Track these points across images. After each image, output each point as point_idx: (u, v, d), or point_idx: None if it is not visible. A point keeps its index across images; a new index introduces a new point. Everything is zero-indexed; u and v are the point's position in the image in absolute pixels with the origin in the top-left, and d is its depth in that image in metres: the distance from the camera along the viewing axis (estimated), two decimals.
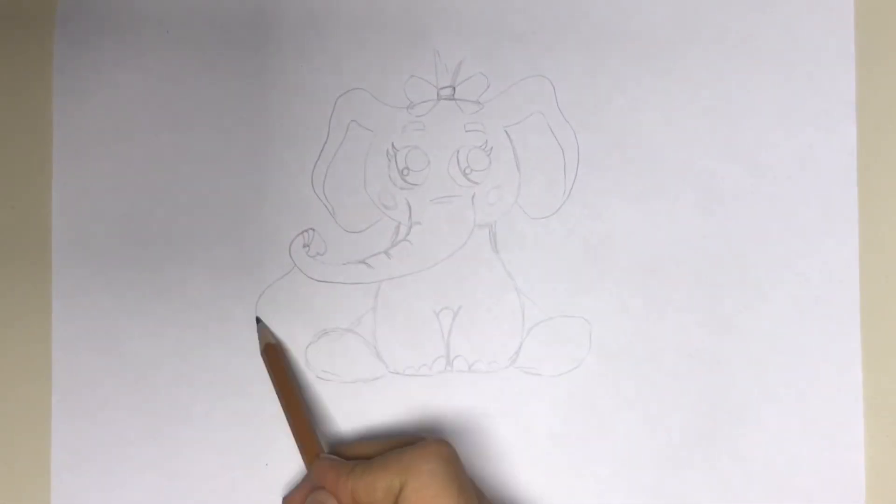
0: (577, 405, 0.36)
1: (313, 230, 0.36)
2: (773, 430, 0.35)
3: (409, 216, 0.36)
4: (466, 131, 0.36)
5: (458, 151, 0.36)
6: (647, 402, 0.35)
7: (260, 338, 0.35)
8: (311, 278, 0.36)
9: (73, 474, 0.36)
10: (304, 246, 0.36)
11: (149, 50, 0.36)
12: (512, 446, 0.36)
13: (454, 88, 0.36)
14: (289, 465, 0.36)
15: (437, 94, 0.36)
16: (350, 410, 0.36)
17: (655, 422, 0.35)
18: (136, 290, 0.36)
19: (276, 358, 0.35)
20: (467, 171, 0.36)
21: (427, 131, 0.36)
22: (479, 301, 0.36)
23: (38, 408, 0.36)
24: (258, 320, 0.35)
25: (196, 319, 0.36)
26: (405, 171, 0.36)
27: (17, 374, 0.36)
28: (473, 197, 0.36)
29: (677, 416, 0.35)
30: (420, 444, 0.32)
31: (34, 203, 0.36)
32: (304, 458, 0.34)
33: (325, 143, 0.36)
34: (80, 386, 0.36)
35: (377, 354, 0.36)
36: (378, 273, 0.36)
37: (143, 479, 0.36)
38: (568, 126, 0.36)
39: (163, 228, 0.36)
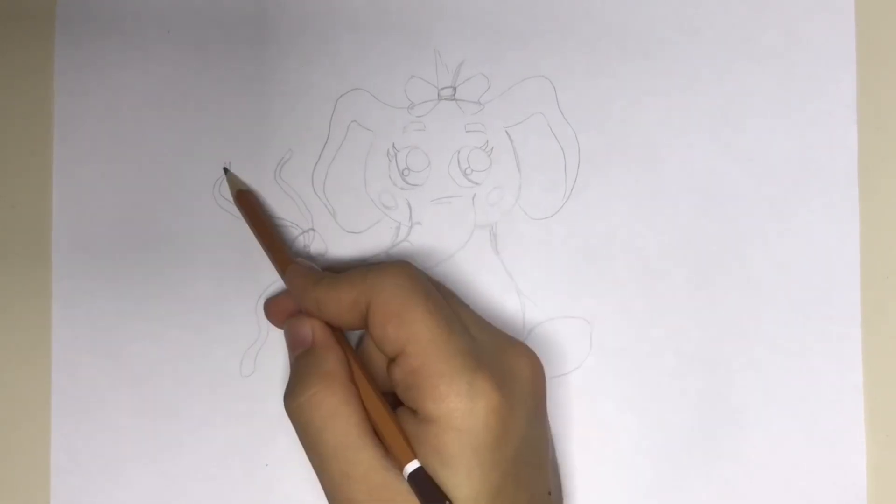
0: (578, 406, 0.36)
1: (314, 230, 0.36)
2: (773, 430, 0.35)
3: (410, 217, 0.36)
4: (467, 132, 0.36)
5: (458, 152, 0.36)
6: (647, 402, 0.35)
7: (230, 186, 0.35)
8: None
9: (72, 474, 0.36)
10: (305, 246, 0.36)
11: (150, 50, 0.36)
12: None
13: (455, 89, 0.36)
14: (288, 465, 0.36)
15: (438, 95, 0.36)
16: None
17: (656, 422, 0.35)
18: (136, 290, 0.36)
19: (249, 203, 0.35)
20: (468, 171, 0.36)
21: (428, 132, 0.36)
22: (480, 302, 0.36)
23: (37, 408, 0.36)
24: (225, 170, 0.35)
25: (196, 320, 0.36)
26: (406, 172, 0.36)
27: (16, 374, 0.36)
28: (474, 197, 0.36)
29: (677, 416, 0.35)
30: (382, 263, 0.32)
31: (34, 203, 0.36)
32: (278, 270, 0.34)
33: (326, 143, 0.36)
34: (79, 386, 0.36)
35: None
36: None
37: (142, 479, 0.36)
38: (569, 127, 0.36)
39: (163, 229, 0.36)
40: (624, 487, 0.36)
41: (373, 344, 0.32)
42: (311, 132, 0.36)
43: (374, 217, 0.36)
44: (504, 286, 0.36)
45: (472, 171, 0.36)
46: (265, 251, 0.34)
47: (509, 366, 0.31)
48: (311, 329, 0.32)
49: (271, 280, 0.36)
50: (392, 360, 0.31)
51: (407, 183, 0.36)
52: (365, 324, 0.31)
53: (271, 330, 0.36)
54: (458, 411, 0.29)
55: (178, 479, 0.36)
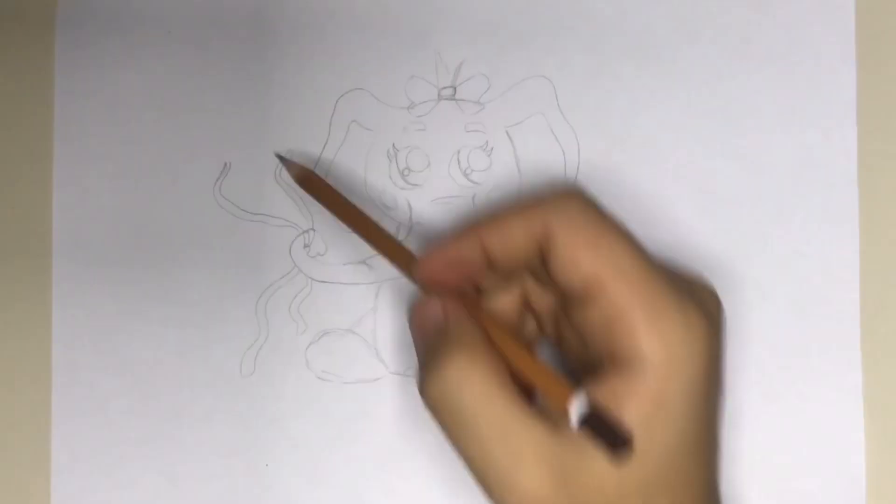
0: None
1: (314, 230, 0.36)
2: (773, 430, 0.35)
3: (410, 217, 0.36)
4: (467, 132, 0.36)
5: (458, 152, 0.36)
6: None
7: (289, 170, 0.33)
8: (312, 279, 0.36)
9: (72, 474, 0.36)
10: (305, 246, 0.36)
11: (150, 50, 0.36)
12: None
13: (455, 89, 0.36)
14: (288, 464, 0.36)
15: (438, 95, 0.36)
16: (350, 411, 0.36)
17: None
18: (137, 290, 0.36)
19: (315, 181, 0.32)
20: (468, 171, 0.36)
21: (428, 132, 0.36)
22: None
23: (38, 408, 0.36)
24: (281, 157, 0.34)
25: (196, 320, 0.36)
26: (406, 172, 0.36)
27: (17, 374, 0.36)
28: (474, 197, 0.36)
29: None
30: (553, 191, 0.27)
31: (35, 203, 0.36)
32: (400, 268, 0.30)
33: (326, 143, 0.36)
34: (80, 386, 0.36)
35: (378, 355, 0.36)
36: (379, 274, 0.36)
37: (143, 479, 0.36)
38: (569, 127, 0.36)
39: (163, 229, 0.36)
40: None
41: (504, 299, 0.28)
42: (311, 132, 0.36)
43: (373, 216, 0.36)
44: None
45: (473, 171, 0.36)
46: (355, 232, 0.32)
47: (704, 300, 0.27)
48: (440, 304, 0.28)
49: (271, 280, 0.36)
50: (576, 303, 0.26)
51: (407, 183, 0.36)
52: (538, 260, 0.26)
53: (271, 330, 0.36)
54: (680, 344, 0.24)
55: (178, 479, 0.36)
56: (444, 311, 0.28)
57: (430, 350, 0.28)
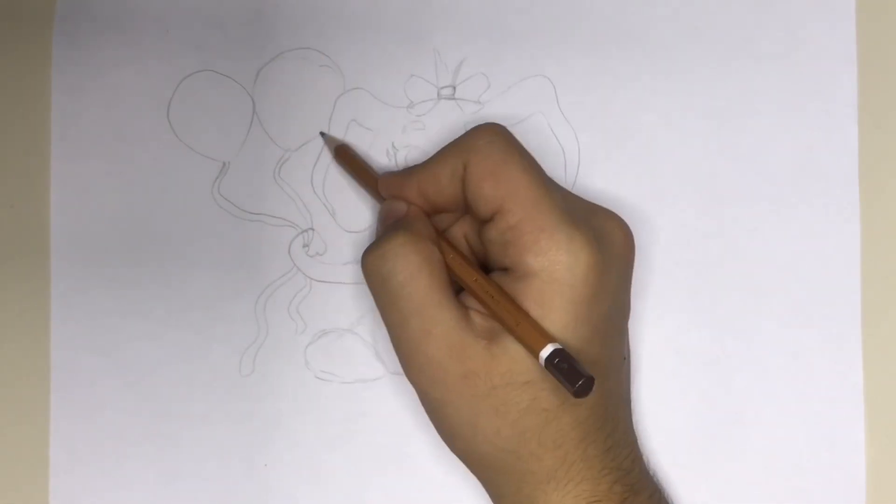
0: None
1: (313, 230, 0.36)
2: (773, 430, 0.35)
3: None
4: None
5: None
6: (647, 402, 0.35)
7: (329, 145, 0.35)
8: (311, 278, 0.36)
9: (71, 474, 0.36)
10: (304, 246, 0.36)
11: (148, 49, 0.36)
12: None
13: (454, 88, 0.36)
14: (288, 465, 0.36)
15: (438, 94, 0.36)
16: (350, 411, 0.36)
17: (655, 422, 0.35)
18: (136, 290, 0.36)
19: (350, 156, 0.35)
20: None
21: (427, 131, 0.36)
22: None
23: (36, 408, 0.36)
24: (322, 133, 0.36)
25: (195, 319, 0.36)
26: None
27: (15, 374, 0.36)
28: None
29: (677, 416, 0.35)
30: (473, 127, 0.31)
31: (33, 202, 0.36)
32: (368, 189, 0.34)
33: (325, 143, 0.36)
34: (78, 386, 0.36)
35: (377, 355, 0.36)
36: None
37: (141, 479, 0.36)
38: (569, 126, 0.36)
39: (162, 228, 0.36)
40: None
41: (463, 226, 0.32)
42: (310, 132, 0.36)
43: (373, 216, 0.36)
44: None
45: None
46: (344, 169, 0.35)
47: (602, 227, 0.30)
48: (406, 206, 0.32)
49: (270, 280, 0.36)
50: (487, 222, 0.30)
51: None
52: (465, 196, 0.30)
53: (270, 329, 0.36)
54: (560, 263, 0.28)
55: (176, 478, 0.36)
56: (408, 209, 0.32)
57: (385, 229, 0.32)
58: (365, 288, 0.35)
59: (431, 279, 0.30)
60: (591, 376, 0.27)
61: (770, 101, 0.36)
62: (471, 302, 0.31)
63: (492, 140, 0.30)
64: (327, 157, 0.36)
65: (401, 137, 0.36)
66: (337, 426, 0.36)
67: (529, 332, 0.28)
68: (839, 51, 0.36)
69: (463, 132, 0.32)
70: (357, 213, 0.36)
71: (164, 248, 0.36)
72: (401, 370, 0.36)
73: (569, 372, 0.27)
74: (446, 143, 0.35)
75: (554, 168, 0.36)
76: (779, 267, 0.36)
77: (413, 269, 0.30)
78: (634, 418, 0.35)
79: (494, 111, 0.36)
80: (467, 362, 0.29)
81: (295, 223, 0.36)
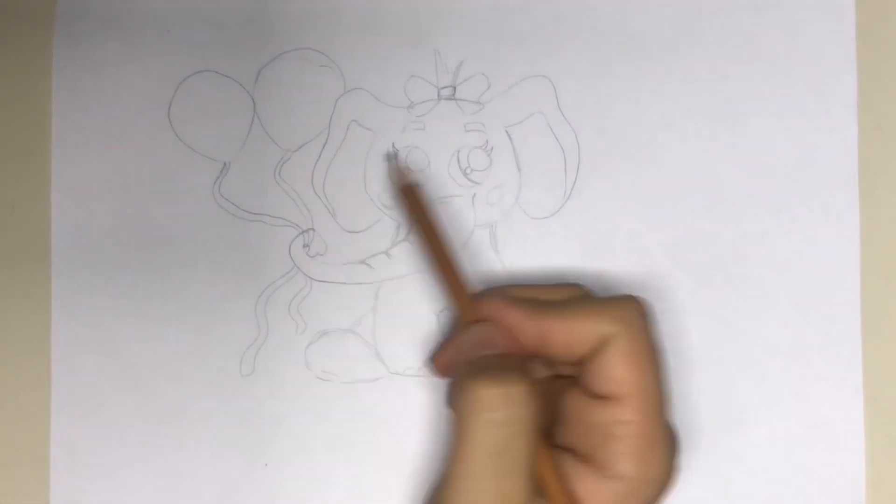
0: None
1: (313, 230, 0.36)
2: (773, 430, 0.35)
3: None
4: (467, 131, 0.36)
5: (458, 151, 0.36)
6: None
7: (393, 178, 0.33)
8: (311, 278, 0.36)
9: (72, 474, 0.36)
10: (304, 246, 0.36)
11: (148, 49, 0.36)
12: None
13: (455, 88, 0.36)
14: (288, 465, 0.36)
15: (438, 94, 0.36)
16: (350, 411, 0.36)
17: None
18: (136, 290, 0.36)
19: (415, 198, 0.33)
20: (468, 171, 0.36)
21: (427, 131, 0.36)
22: None
23: (37, 407, 0.36)
24: (388, 157, 0.34)
25: (196, 319, 0.36)
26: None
27: (16, 373, 0.36)
28: (474, 197, 0.36)
29: (677, 416, 0.35)
30: (626, 297, 0.29)
31: (33, 203, 0.36)
32: (455, 304, 0.31)
33: (325, 143, 0.36)
34: (79, 386, 0.36)
35: (377, 355, 0.36)
36: (378, 273, 0.36)
37: (142, 479, 0.36)
38: (569, 126, 0.36)
39: (162, 228, 0.36)
40: None
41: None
42: (310, 132, 0.36)
43: (373, 216, 0.36)
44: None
45: (472, 170, 0.36)
46: (427, 255, 0.33)
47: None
48: (497, 335, 0.29)
49: (270, 280, 0.36)
50: (596, 400, 0.28)
51: None
52: (581, 360, 0.29)
53: (270, 329, 0.36)
54: (656, 482, 0.28)
55: (177, 478, 0.36)
56: (500, 341, 0.29)
57: (490, 360, 0.29)
58: (365, 288, 0.36)
59: (532, 442, 0.27)
60: None
61: (769, 102, 0.36)
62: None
63: (647, 324, 0.28)
64: (328, 156, 0.36)
65: (401, 138, 0.36)
66: (337, 426, 0.36)
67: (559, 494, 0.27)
68: (839, 51, 0.36)
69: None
70: (358, 213, 0.36)
71: (164, 249, 0.36)
72: (401, 370, 0.36)
73: None
74: (446, 143, 0.36)
75: (554, 168, 0.36)
76: (778, 267, 0.36)
77: (530, 425, 0.27)
78: None
79: (495, 111, 0.36)
80: None
81: (295, 223, 0.36)
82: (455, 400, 0.28)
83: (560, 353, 0.29)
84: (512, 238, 0.36)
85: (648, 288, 0.35)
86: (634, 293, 0.30)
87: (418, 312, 0.36)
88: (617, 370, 0.28)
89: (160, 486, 0.36)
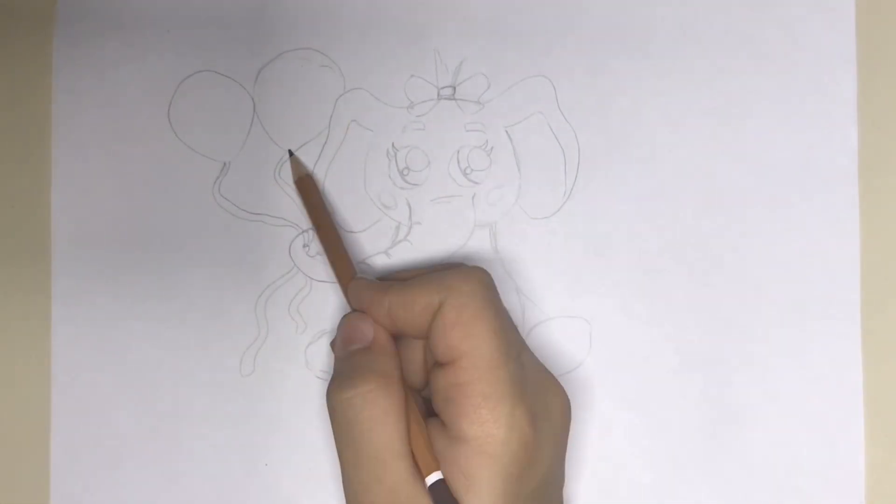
0: (578, 406, 0.36)
1: (313, 230, 0.36)
2: (773, 430, 0.35)
3: (410, 216, 0.36)
4: (467, 131, 0.36)
5: (458, 151, 0.36)
6: (647, 402, 0.35)
7: (293, 170, 0.35)
8: (311, 278, 0.36)
9: (72, 473, 0.36)
10: (304, 246, 0.36)
11: (149, 49, 0.36)
12: None
13: (454, 88, 0.36)
14: (288, 465, 0.36)
15: (438, 94, 0.36)
16: None
17: (656, 422, 0.35)
18: (136, 289, 0.36)
19: (309, 189, 0.35)
20: (468, 171, 0.36)
21: (427, 131, 0.36)
22: None
23: (37, 407, 0.36)
24: (290, 153, 0.35)
25: (196, 319, 0.36)
26: (405, 171, 0.36)
27: (16, 372, 0.36)
28: (474, 197, 0.36)
29: (677, 416, 0.35)
30: (459, 267, 0.31)
31: (34, 202, 0.36)
32: (340, 284, 0.34)
33: (325, 143, 0.36)
34: (79, 385, 0.36)
35: None
36: (378, 273, 0.36)
37: (141, 478, 0.36)
38: (569, 126, 0.36)
39: (163, 228, 0.36)
40: (624, 486, 0.36)
41: (410, 346, 0.32)
42: (310, 132, 0.36)
43: (373, 216, 0.36)
44: (503, 285, 0.36)
45: (472, 170, 0.36)
46: (319, 240, 0.35)
47: (545, 402, 0.31)
48: (372, 328, 0.32)
49: (270, 280, 0.36)
50: (438, 366, 0.30)
51: (407, 182, 0.36)
52: (423, 332, 0.31)
53: (270, 329, 0.36)
54: (495, 438, 0.28)
55: (177, 478, 0.36)
56: (375, 334, 0.32)
57: (351, 360, 0.31)
58: None
59: (396, 427, 0.29)
60: None
61: (769, 101, 0.36)
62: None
63: (475, 288, 0.30)
64: (328, 156, 0.36)
65: (401, 138, 0.36)
66: None
67: (425, 456, 0.29)
68: (839, 50, 0.36)
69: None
70: (357, 213, 0.36)
71: (164, 248, 0.36)
72: None
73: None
74: (446, 143, 0.36)
75: (554, 168, 0.36)
76: (778, 266, 0.36)
77: (379, 416, 0.29)
78: (635, 417, 0.35)
79: (494, 111, 0.36)
80: None
81: (295, 223, 0.36)
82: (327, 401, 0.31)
83: (405, 326, 0.31)
84: (512, 238, 0.36)
85: (649, 288, 0.35)
86: (472, 264, 0.32)
87: None
88: (447, 335, 0.29)
89: (160, 486, 0.36)
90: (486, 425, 0.29)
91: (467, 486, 0.29)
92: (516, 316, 0.36)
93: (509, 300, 0.36)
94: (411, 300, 0.30)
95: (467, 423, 0.29)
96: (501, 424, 0.29)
